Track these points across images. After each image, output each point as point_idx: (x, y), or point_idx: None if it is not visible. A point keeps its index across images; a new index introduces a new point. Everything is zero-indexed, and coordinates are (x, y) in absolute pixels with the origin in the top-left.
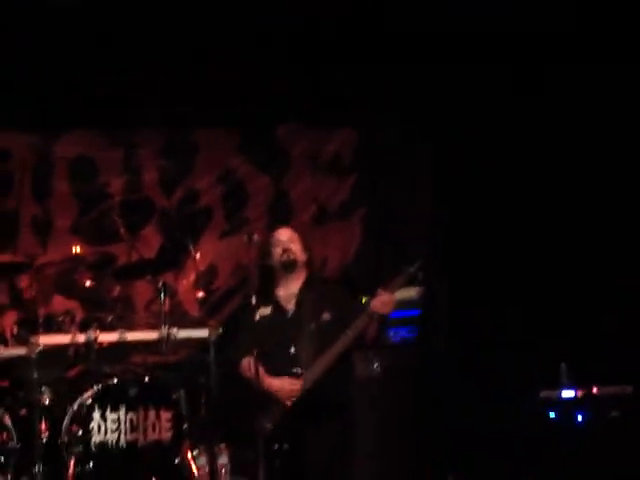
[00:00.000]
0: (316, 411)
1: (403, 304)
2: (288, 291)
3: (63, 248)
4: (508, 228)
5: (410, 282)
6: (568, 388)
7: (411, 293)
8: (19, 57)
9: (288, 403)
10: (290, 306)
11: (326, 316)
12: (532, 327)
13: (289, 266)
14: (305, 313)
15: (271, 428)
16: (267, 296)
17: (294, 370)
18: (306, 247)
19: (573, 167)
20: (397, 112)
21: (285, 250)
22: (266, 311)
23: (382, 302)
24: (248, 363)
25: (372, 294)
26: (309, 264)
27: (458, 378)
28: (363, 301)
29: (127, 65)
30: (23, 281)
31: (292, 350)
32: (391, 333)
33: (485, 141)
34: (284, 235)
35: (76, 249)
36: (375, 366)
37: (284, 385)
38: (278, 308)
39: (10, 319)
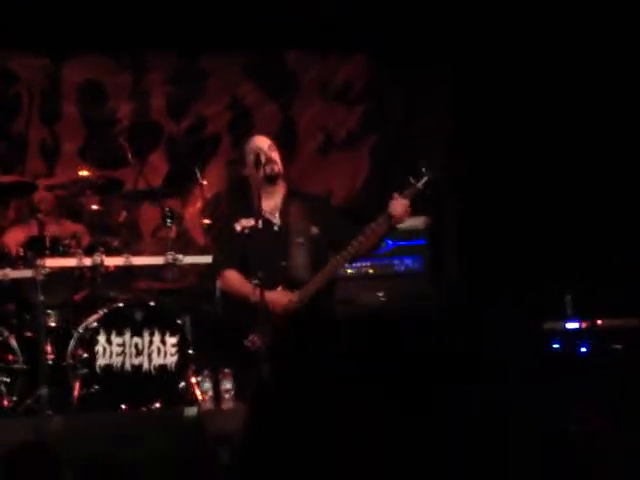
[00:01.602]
0: (316, 325)
1: (408, 233)
2: (271, 203)
3: (70, 172)
4: (519, 158)
5: (416, 198)
6: (572, 320)
7: (416, 222)
8: None
9: (283, 316)
10: (275, 219)
11: (314, 230)
12: (538, 259)
13: (273, 178)
14: (292, 226)
15: (269, 344)
16: (247, 208)
17: (288, 284)
18: (283, 158)
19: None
20: (414, 38)
21: (268, 160)
22: (249, 222)
23: (401, 206)
24: (232, 275)
25: None
26: (286, 177)
27: (465, 307)
28: None
29: None
30: (37, 199)
31: (283, 263)
32: (395, 262)
33: (510, 68)
34: (263, 142)
35: (82, 172)
36: (380, 295)
37: (279, 298)
38: (263, 220)
39: (15, 238)
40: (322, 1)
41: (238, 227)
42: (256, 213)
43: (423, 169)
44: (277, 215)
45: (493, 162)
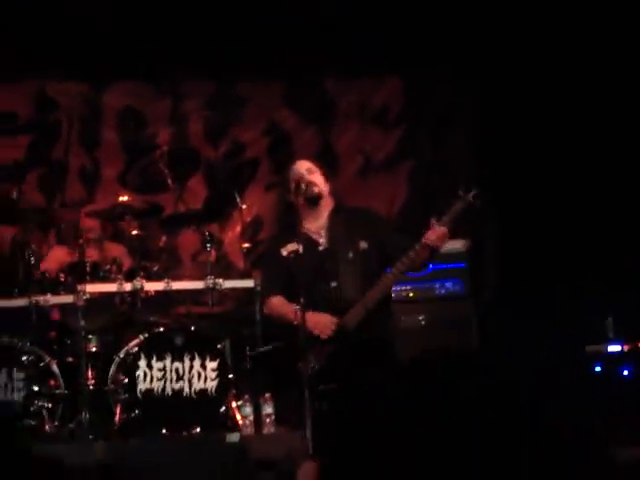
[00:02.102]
0: (360, 350)
1: (449, 256)
2: (316, 224)
3: (110, 197)
4: (559, 180)
5: (465, 211)
6: (614, 343)
7: (457, 245)
8: (69, 7)
9: (326, 339)
10: (322, 239)
11: (363, 245)
12: (580, 280)
13: (314, 200)
14: (340, 244)
15: (314, 368)
16: (293, 232)
17: (338, 305)
18: (327, 176)
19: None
20: (446, 63)
21: (308, 184)
22: (294, 247)
23: (436, 234)
24: (278, 300)
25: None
26: (333, 193)
27: (506, 331)
28: None
29: (174, 16)
30: (71, 229)
31: (333, 283)
32: (436, 285)
33: (535, 92)
34: (302, 167)
35: (122, 197)
36: (420, 318)
37: (321, 320)
38: (309, 242)
39: (56, 261)
40: (355, 27)
41: (284, 252)
42: (301, 236)
43: (472, 183)
44: (323, 234)
45: (531, 180)
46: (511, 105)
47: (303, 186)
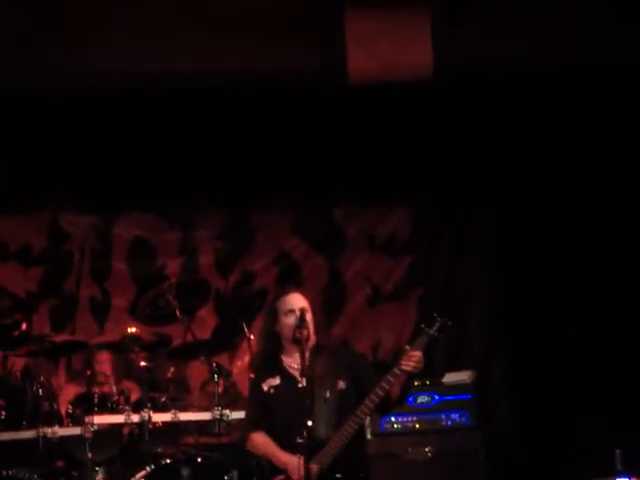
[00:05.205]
0: None
1: (454, 387)
2: (298, 360)
3: (120, 328)
4: (567, 307)
5: (430, 344)
6: (623, 476)
7: (463, 377)
8: (79, 140)
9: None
10: (301, 376)
11: (341, 384)
12: (587, 413)
13: (303, 342)
14: (318, 382)
15: None
16: (273, 365)
17: (313, 443)
18: (313, 311)
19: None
20: (456, 192)
21: (301, 325)
22: (275, 381)
23: (413, 360)
24: (259, 438)
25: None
26: (318, 330)
27: (514, 463)
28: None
29: (184, 149)
30: (81, 360)
31: (309, 422)
32: (442, 416)
33: (547, 220)
34: (298, 302)
35: (131, 329)
36: (427, 450)
37: (294, 462)
38: (288, 378)
39: (66, 397)
40: (364, 159)
41: (265, 387)
42: (282, 371)
43: (435, 315)
44: (303, 372)
45: (537, 307)
46: (524, 232)
47: (294, 321)
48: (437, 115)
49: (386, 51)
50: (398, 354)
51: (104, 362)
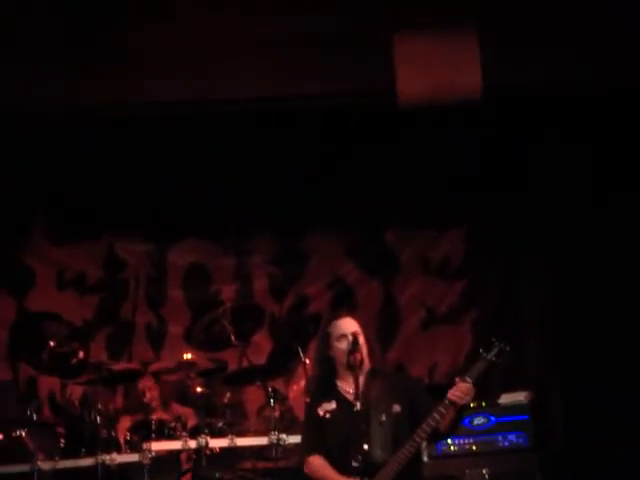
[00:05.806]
0: None
1: (511, 409)
2: (353, 385)
3: (176, 355)
4: (623, 327)
5: (488, 369)
6: None
7: (519, 397)
8: (133, 169)
9: None
10: (357, 400)
11: (396, 408)
12: None
13: (357, 367)
14: (374, 406)
15: None
16: (328, 389)
17: (369, 467)
18: (366, 335)
19: None
20: (508, 215)
21: (354, 349)
22: (330, 406)
23: (461, 391)
24: (317, 461)
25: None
26: (371, 354)
27: None
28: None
29: (237, 176)
30: (141, 387)
31: (365, 446)
32: (499, 438)
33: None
34: (350, 327)
35: (187, 356)
36: (484, 472)
37: None
38: (344, 402)
39: (124, 425)
40: (415, 181)
41: (321, 412)
42: (337, 396)
43: (493, 340)
44: (359, 396)
45: (595, 328)
46: (577, 252)
47: (347, 346)
48: (485, 137)
49: (435, 72)
50: (452, 381)
51: (159, 389)
